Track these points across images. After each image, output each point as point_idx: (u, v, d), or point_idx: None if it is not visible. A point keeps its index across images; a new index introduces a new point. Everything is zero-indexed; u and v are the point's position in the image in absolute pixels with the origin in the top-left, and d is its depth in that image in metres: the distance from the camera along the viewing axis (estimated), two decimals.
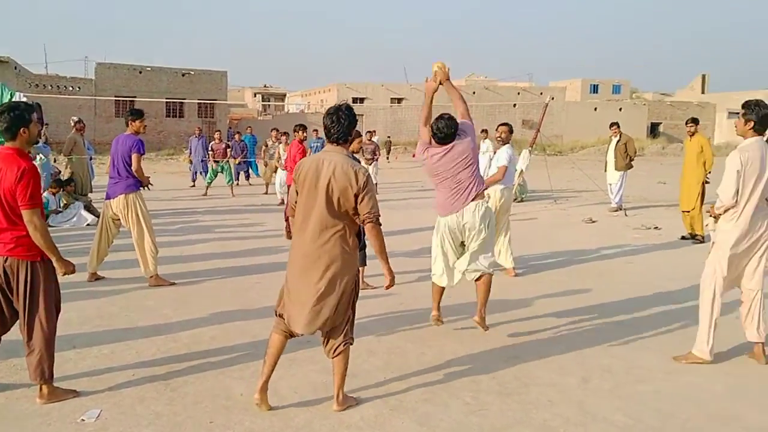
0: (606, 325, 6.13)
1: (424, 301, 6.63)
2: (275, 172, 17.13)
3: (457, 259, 5.67)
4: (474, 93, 48.36)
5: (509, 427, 4.01)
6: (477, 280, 5.62)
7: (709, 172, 10.67)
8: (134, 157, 7.37)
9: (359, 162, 4.46)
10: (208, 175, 18.67)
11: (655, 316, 6.43)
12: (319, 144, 20.19)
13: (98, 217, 11.30)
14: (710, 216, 5.27)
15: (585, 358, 5.22)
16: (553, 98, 49.30)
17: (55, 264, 4.31)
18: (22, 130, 4.26)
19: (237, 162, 20.59)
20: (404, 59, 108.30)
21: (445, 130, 5.48)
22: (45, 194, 11.99)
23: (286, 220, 4.36)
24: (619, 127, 14.52)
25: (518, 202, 15.85)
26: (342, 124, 4.03)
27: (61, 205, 12.29)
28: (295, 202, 4.13)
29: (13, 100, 11.69)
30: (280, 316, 4.14)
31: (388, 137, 37.67)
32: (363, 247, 7.20)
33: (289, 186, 7.47)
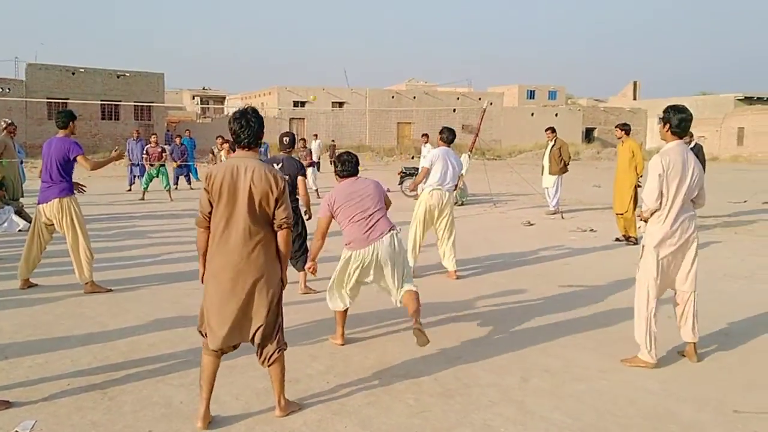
0: (544, 326, 6.26)
1: (366, 304, 6.68)
2: None
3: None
4: (414, 98, 48.75)
5: (451, 428, 4.06)
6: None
7: (641, 176, 11.02)
8: (80, 159, 7.17)
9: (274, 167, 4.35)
10: (144, 179, 18.50)
11: (591, 316, 6.60)
12: (263, 149, 20.09)
13: (30, 222, 10.96)
14: (640, 220, 5.47)
15: (524, 358, 5.32)
16: (491, 103, 50.10)
17: None
18: None
19: (177, 165, 20.32)
20: (345, 63, 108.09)
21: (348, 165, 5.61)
22: None
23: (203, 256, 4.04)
24: (554, 131, 14.76)
25: (459, 205, 16.05)
26: (252, 127, 3.94)
27: None
28: (209, 213, 3.93)
29: None
30: (206, 335, 3.99)
31: (333, 141, 37.40)
32: (305, 251, 7.21)
33: None
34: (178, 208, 15.74)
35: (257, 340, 3.96)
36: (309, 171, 17.19)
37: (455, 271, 8.33)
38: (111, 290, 7.32)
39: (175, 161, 20.26)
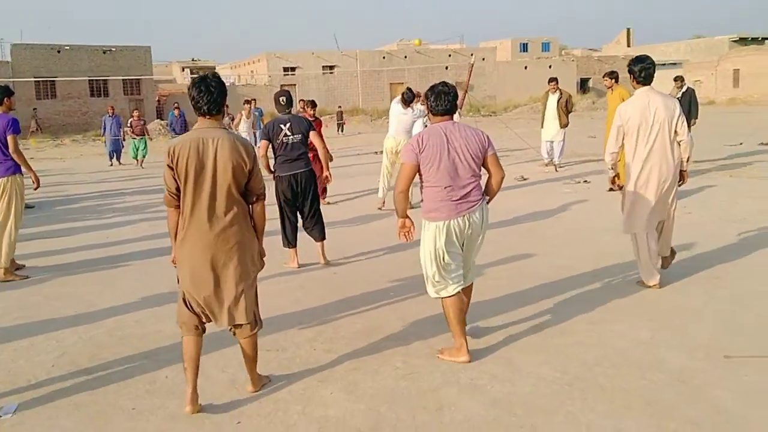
0: (531, 281, 6.19)
1: (359, 272, 6.66)
2: None
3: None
4: (405, 57, 48.23)
5: (437, 388, 4.01)
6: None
7: None
8: (11, 139, 6.80)
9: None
10: (131, 150, 19.85)
11: (579, 270, 6.52)
12: (257, 113, 19.97)
13: None
14: (612, 183, 6.27)
15: (511, 316, 5.27)
16: (483, 59, 49.73)
17: None
18: None
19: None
20: (334, 26, 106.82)
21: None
22: None
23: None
24: (557, 83, 14.37)
25: None
26: (212, 93, 3.64)
27: None
28: (176, 190, 3.68)
29: None
30: (191, 309, 3.81)
31: (339, 107, 36.71)
32: (319, 218, 7.03)
33: None
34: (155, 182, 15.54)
35: (233, 320, 3.81)
36: None
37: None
38: (28, 277, 7.01)
39: (176, 132, 20.72)
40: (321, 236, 7.04)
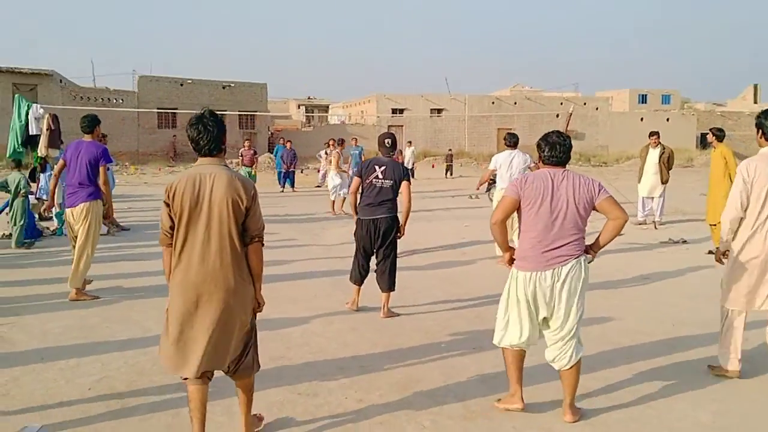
0: (599, 345, 5.74)
1: (417, 322, 6.45)
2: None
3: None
4: (515, 103, 47.77)
5: None
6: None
7: None
8: (102, 169, 7.13)
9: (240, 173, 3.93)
10: None
11: (653, 336, 6.02)
12: (357, 152, 20.35)
13: (108, 227, 11.37)
14: (716, 260, 5.24)
15: None
16: (597, 108, 48.60)
17: None
18: None
19: (286, 169, 22.82)
20: (446, 70, 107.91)
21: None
22: None
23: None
24: (659, 137, 13.79)
25: None
26: (210, 132, 3.55)
27: None
28: (170, 229, 3.57)
29: (30, 111, 11.95)
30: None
31: (450, 150, 36.38)
32: (393, 271, 6.70)
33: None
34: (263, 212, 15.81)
35: (229, 368, 3.67)
36: None
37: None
38: (98, 297, 7.18)
39: (286, 165, 22.51)
40: (388, 288, 6.67)
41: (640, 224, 13.66)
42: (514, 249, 4.32)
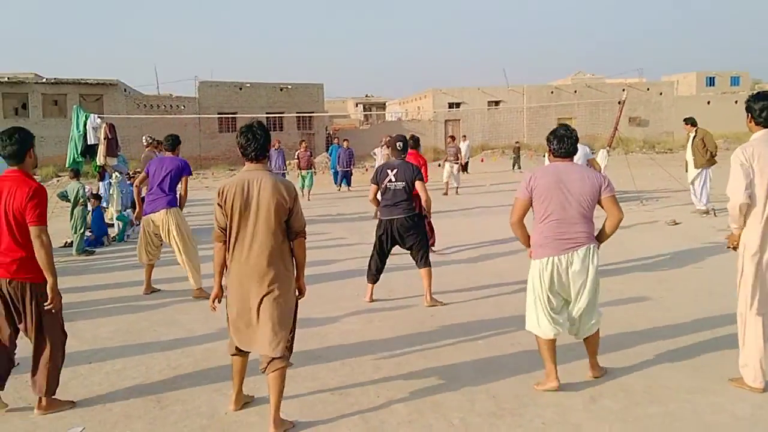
0: (643, 338, 5.61)
1: (457, 314, 6.43)
2: None
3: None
4: (575, 92, 46.82)
5: None
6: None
7: None
8: (185, 180, 7.77)
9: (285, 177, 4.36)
10: (298, 182, 19.52)
11: (700, 331, 5.80)
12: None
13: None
14: (728, 247, 4.77)
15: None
16: (661, 93, 47.19)
17: (48, 287, 4.27)
18: (28, 153, 4.43)
19: (342, 169, 22.17)
20: (504, 62, 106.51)
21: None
22: (128, 211, 12.54)
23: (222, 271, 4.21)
24: (694, 124, 13.48)
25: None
26: (258, 140, 4.04)
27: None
28: (224, 227, 4.05)
29: (88, 121, 12.40)
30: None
31: (517, 143, 35.40)
32: (425, 253, 7.00)
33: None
34: (315, 213, 15.94)
35: (266, 350, 3.97)
36: (453, 166, 19.34)
37: None
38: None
39: (342, 166, 22.03)
40: (425, 264, 6.94)
41: (698, 212, 13.20)
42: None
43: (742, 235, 4.51)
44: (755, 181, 4.38)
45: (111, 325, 6.53)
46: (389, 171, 6.92)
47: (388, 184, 6.88)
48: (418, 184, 6.86)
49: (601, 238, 4.57)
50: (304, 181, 19.62)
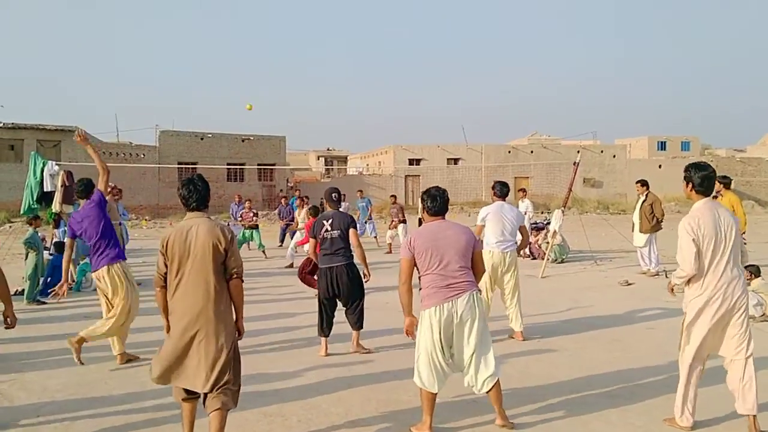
0: (596, 398, 5.71)
1: (387, 363, 6.45)
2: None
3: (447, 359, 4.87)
4: (532, 152, 48.02)
5: None
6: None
7: (743, 233, 10.06)
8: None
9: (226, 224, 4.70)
10: (239, 238, 17.76)
11: (655, 388, 5.95)
12: (364, 204, 20.63)
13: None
14: (670, 292, 5.17)
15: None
16: (614, 156, 48.62)
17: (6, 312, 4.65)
18: None
19: (283, 224, 20.75)
20: (463, 120, 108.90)
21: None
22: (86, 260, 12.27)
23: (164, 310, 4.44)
24: (645, 185, 13.82)
25: (558, 263, 15.43)
26: (199, 191, 4.39)
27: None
28: (164, 273, 4.33)
29: (46, 168, 12.28)
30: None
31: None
32: (360, 310, 7.22)
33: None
34: (274, 266, 15.89)
35: (201, 386, 4.16)
36: (401, 227, 18.76)
37: (521, 332, 7.88)
38: (138, 358, 7.07)
39: (281, 220, 20.83)
40: (358, 326, 7.25)
41: (646, 273, 13.50)
42: (415, 317, 4.89)
43: (688, 292, 4.83)
44: (702, 249, 4.66)
45: (60, 378, 6.38)
46: (324, 222, 7.21)
47: (324, 234, 7.15)
48: (352, 233, 7.18)
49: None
50: (251, 238, 18.06)
